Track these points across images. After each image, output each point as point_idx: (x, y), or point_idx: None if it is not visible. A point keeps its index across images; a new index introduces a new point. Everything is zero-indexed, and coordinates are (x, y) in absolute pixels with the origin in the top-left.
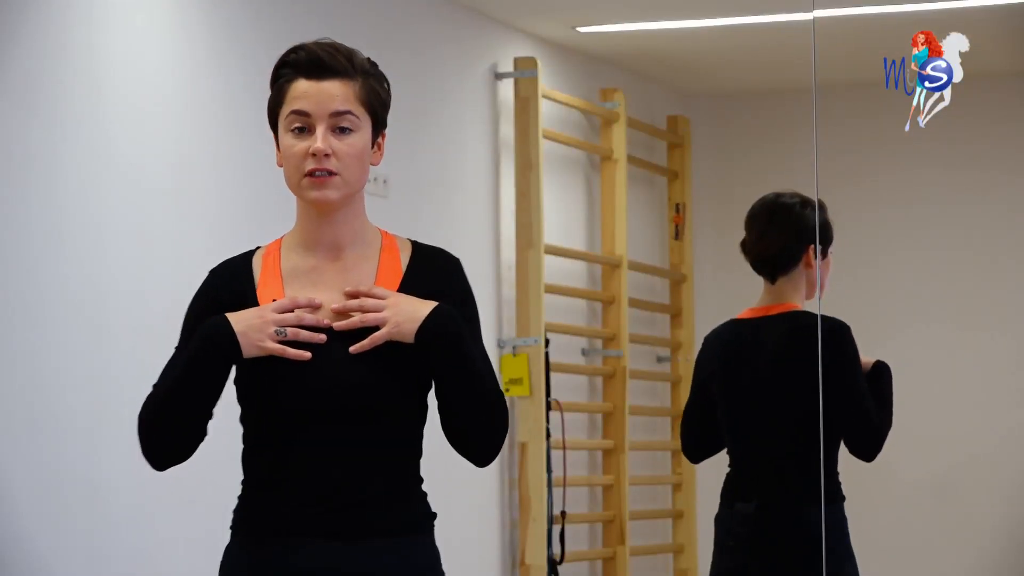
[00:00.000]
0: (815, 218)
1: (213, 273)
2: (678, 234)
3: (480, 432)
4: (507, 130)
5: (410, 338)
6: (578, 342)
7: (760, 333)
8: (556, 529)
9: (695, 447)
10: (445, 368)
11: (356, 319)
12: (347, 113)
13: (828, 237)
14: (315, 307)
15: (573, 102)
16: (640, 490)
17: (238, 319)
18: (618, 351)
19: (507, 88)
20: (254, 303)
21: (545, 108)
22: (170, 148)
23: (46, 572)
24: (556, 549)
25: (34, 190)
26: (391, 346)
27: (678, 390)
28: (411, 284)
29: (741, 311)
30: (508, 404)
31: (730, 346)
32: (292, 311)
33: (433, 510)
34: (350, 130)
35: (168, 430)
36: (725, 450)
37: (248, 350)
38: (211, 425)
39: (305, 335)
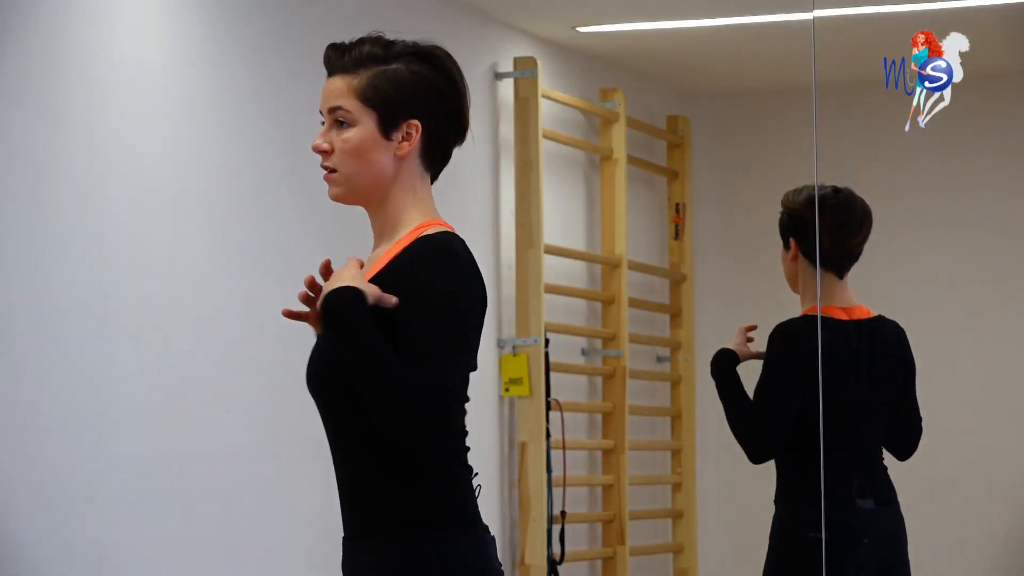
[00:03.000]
0: None
1: None
2: (678, 234)
3: (376, 418)
4: (507, 130)
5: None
6: (578, 342)
7: (865, 334)
8: (556, 529)
9: (776, 443)
10: (341, 343)
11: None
12: (338, 109)
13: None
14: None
15: (573, 102)
16: (640, 490)
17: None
18: (618, 351)
19: (507, 88)
20: None
21: (545, 108)
22: (171, 148)
23: (46, 572)
24: (556, 549)
25: (34, 190)
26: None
27: (678, 390)
28: (379, 278)
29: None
30: (508, 404)
31: (839, 345)
32: None
33: (428, 515)
34: (346, 125)
35: None
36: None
37: None
38: (210, 425)
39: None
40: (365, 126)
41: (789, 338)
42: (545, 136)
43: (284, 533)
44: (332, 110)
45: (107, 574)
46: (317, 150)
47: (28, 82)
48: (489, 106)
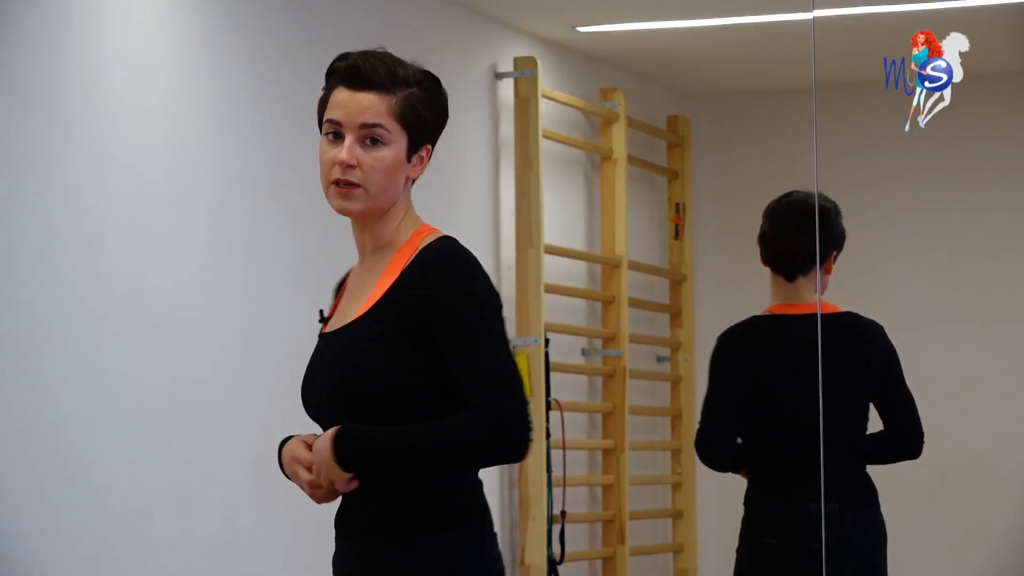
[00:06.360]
0: (842, 224)
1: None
2: (678, 234)
3: (480, 466)
4: (507, 130)
5: (342, 477)
6: (578, 342)
7: (814, 331)
8: (556, 529)
9: (718, 445)
10: (394, 468)
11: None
12: (376, 126)
13: (843, 243)
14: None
15: (573, 102)
16: (640, 490)
17: (284, 462)
18: (618, 351)
19: (507, 88)
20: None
21: (545, 108)
22: (168, 147)
23: (42, 573)
24: (556, 549)
25: (32, 189)
26: (362, 339)
27: (678, 390)
28: (395, 292)
29: (755, 308)
30: None
31: (784, 342)
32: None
33: (453, 515)
34: (380, 143)
35: None
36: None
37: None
38: (209, 426)
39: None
40: (398, 147)
41: (727, 340)
42: (545, 136)
43: (283, 534)
44: (367, 126)
45: (104, 575)
46: (345, 165)
47: (27, 83)
48: (489, 106)
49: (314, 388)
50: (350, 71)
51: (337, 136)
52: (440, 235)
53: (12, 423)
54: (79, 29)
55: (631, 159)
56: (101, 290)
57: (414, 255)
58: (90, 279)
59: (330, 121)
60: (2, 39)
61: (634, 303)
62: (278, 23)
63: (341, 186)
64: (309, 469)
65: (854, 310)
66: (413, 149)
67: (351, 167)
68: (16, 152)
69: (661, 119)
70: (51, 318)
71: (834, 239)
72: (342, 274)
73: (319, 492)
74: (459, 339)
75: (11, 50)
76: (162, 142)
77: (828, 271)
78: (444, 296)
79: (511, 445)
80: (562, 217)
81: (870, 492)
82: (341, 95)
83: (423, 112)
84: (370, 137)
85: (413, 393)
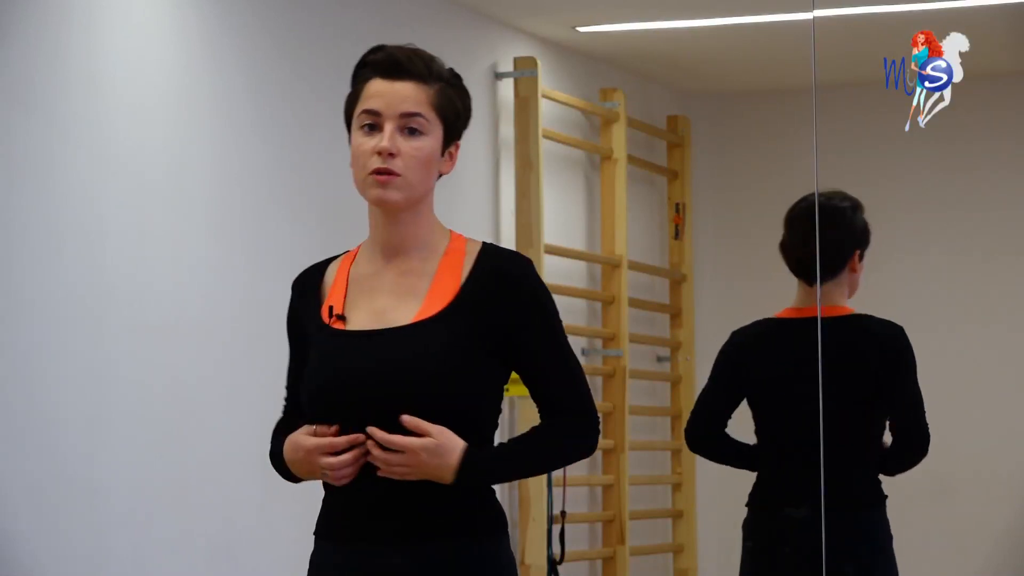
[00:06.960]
0: (863, 221)
1: (292, 286)
2: (678, 234)
3: (563, 466)
4: (507, 130)
5: (441, 479)
6: (578, 342)
7: (818, 335)
8: (556, 529)
9: (701, 434)
10: (510, 479)
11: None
12: (417, 115)
13: (867, 240)
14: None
15: (573, 102)
16: (640, 490)
17: (293, 460)
18: (618, 351)
19: (507, 88)
20: (317, 315)
21: (545, 108)
22: (169, 146)
23: (42, 573)
24: (556, 549)
25: (32, 189)
26: (435, 343)
27: (678, 390)
28: (467, 298)
29: (755, 308)
30: (509, 404)
31: (785, 346)
32: (335, 451)
33: (491, 514)
34: (419, 133)
35: (289, 478)
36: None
37: (316, 478)
38: (209, 426)
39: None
40: (435, 138)
41: (731, 341)
42: (545, 136)
43: (284, 534)
44: (408, 115)
45: (104, 575)
46: (386, 153)
47: (27, 83)
48: (489, 106)
49: (348, 387)
50: (388, 61)
51: (373, 128)
52: (480, 242)
53: (12, 423)
54: (79, 29)
55: (631, 159)
56: (101, 290)
57: (472, 261)
58: (90, 279)
59: (367, 112)
60: (2, 39)
61: (634, 303)
62: (278, 23)
63: (380, 175)
64: (332, 453)
65: (867, 311)
66: (447, 142)
67: (392, 155)
68: (16, 152)
69: (661, 119)
70: (51, 318)
71: (854, 238)
72: (300, 269)
73: (348, 471)
74: (552, 344)
75: (11, 50)
76: (162, 142)
77: (853, 270)
78: (538, 303)
79: (593, 444)
80: (562, 217)
81: (870, 495)
82: (378, 85)
83: (457, 105)
84: (409, 127)
85: (476, 400)
